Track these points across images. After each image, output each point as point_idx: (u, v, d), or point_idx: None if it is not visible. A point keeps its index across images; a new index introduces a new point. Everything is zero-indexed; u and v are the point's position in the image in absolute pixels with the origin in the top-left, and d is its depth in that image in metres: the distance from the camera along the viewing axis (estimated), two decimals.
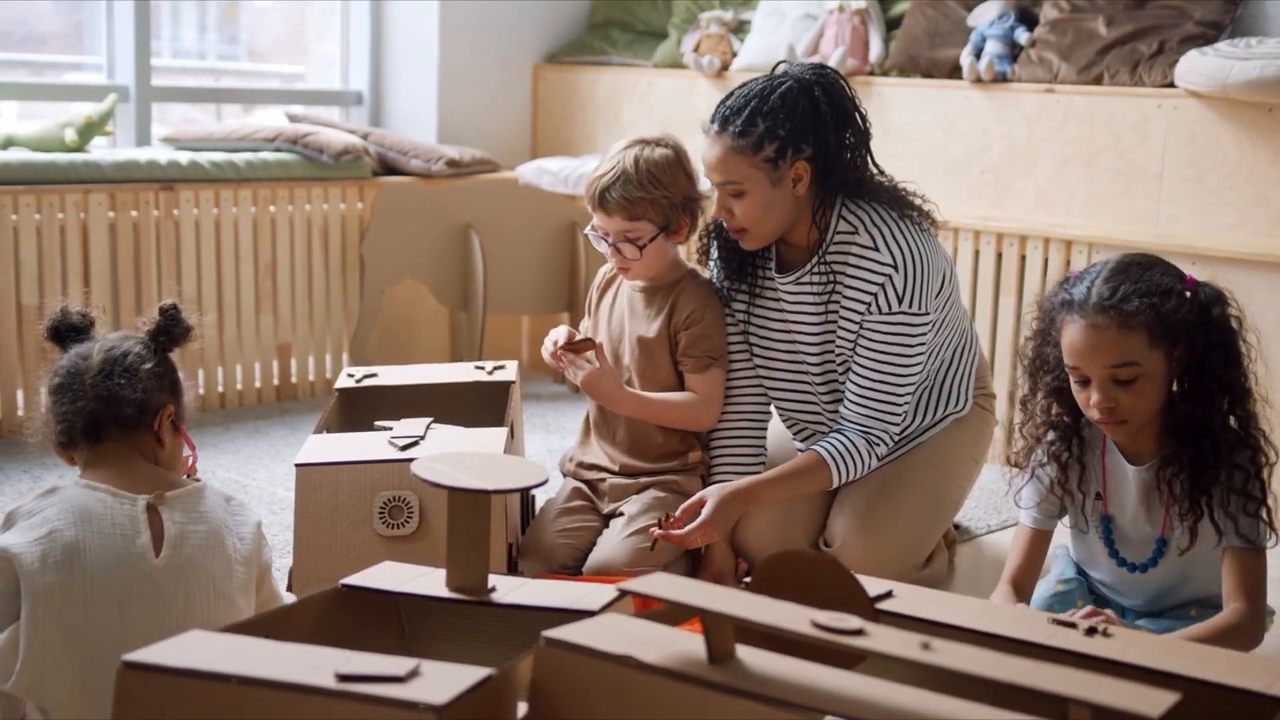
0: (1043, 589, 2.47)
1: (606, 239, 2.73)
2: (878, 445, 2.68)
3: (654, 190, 2.68)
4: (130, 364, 2.05)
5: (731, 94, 2.66)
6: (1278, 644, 2.45)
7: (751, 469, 2.79)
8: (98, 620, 1.87)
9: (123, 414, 2.03)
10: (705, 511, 2.58)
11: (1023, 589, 2.38)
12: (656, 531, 2.58)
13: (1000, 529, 3.26)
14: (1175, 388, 2.21)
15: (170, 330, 2.13)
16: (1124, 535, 2.34)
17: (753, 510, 2.67)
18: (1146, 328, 2.16)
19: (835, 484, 2.68)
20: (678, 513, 2.59)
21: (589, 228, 2.77)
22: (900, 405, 2.67)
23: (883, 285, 2.60)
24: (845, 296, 2.65)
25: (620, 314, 2.84)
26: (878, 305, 2.61)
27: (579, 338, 2.76)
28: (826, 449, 2.66)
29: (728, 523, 2.63)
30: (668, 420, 2.77)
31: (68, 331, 2.12)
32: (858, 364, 2.66)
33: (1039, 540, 2.41)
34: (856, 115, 2.67)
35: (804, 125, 2.59)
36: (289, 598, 2.31)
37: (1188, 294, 2.19)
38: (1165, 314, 2.16)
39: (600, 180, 2.70)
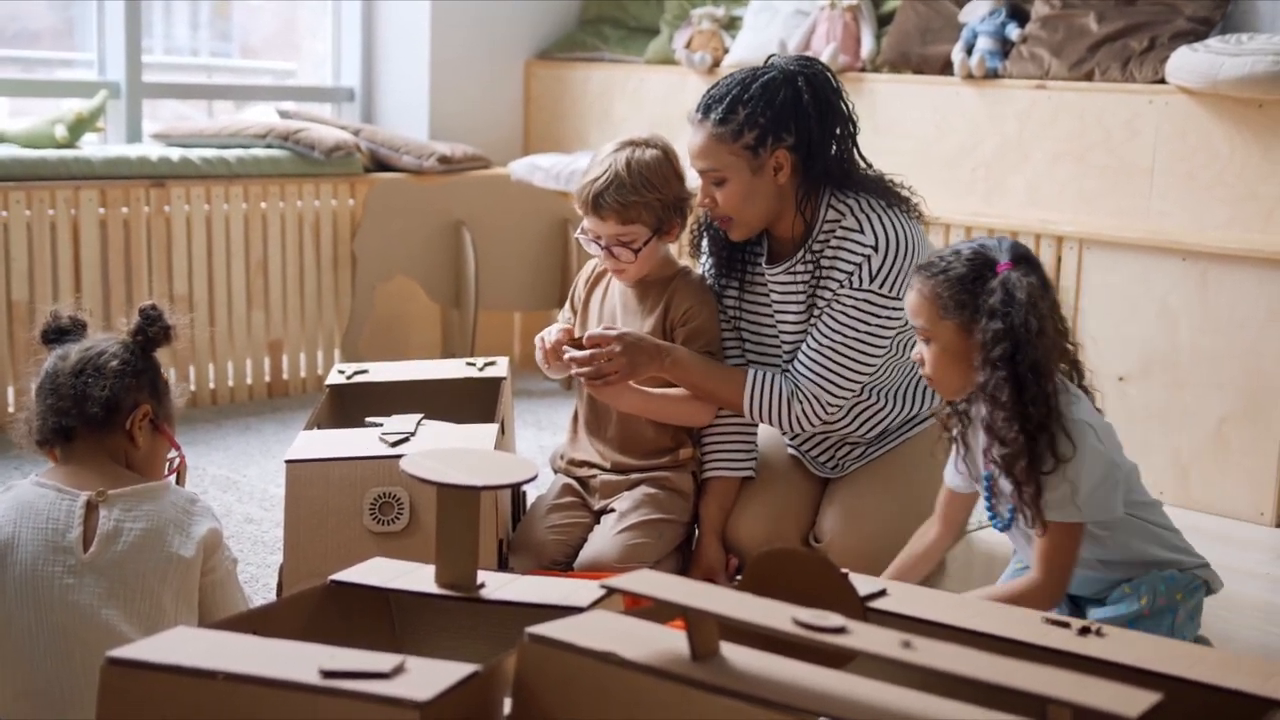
0: (1005, 576, 2.50)
1: (599, 242, 2.72)
2: (800, 405, 2.67)
3: (647, 193, 2.67)
4: (101, 363, 2.05)
5: (717, 83, 2.69)
6: (1268, 641, 2.46)
7: (744, 464, 2.79)
8: (17, 614, 1.88)
9: (89, 412, 2.03)
10: (617, 346, 2.63)
11: (926, 541, 2.50)
12: (569, 355, 2.67)
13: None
14: (1000, 370, 2.22)
15: (148, 330, 2.12)
16: (1000, 493, 2.37)
17: (663, 371, 2.68)
18: (937, 297, 2.25)
19: (745, 410, 2.70)
20: (585, 340, 2.66)
21: (580, 230, 2.76)
22: (844, 387, 2.66)
23: (859, 265, 2.61)
24: (826, 278, 2.66)
25: (612, 310, 2.83)
26: (850, 281, 2.62)
27: (574, 336, 2.76)
28: (755, 373, 2.69)
29: (632, 360, 2.64)
30: (668, 416, 2.76)
31: (58, 334, 2.12)
32: (816, 328, 2.67)
33: (952, 500, 2.49)
34: (842, 107, 2.68)
35: (785, 114, 2.61)
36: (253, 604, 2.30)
37: (995, 276, 2.22)
38: (956, 284, 2.23)
39: (593, 184, 2.68)
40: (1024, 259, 2.25)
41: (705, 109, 2.65)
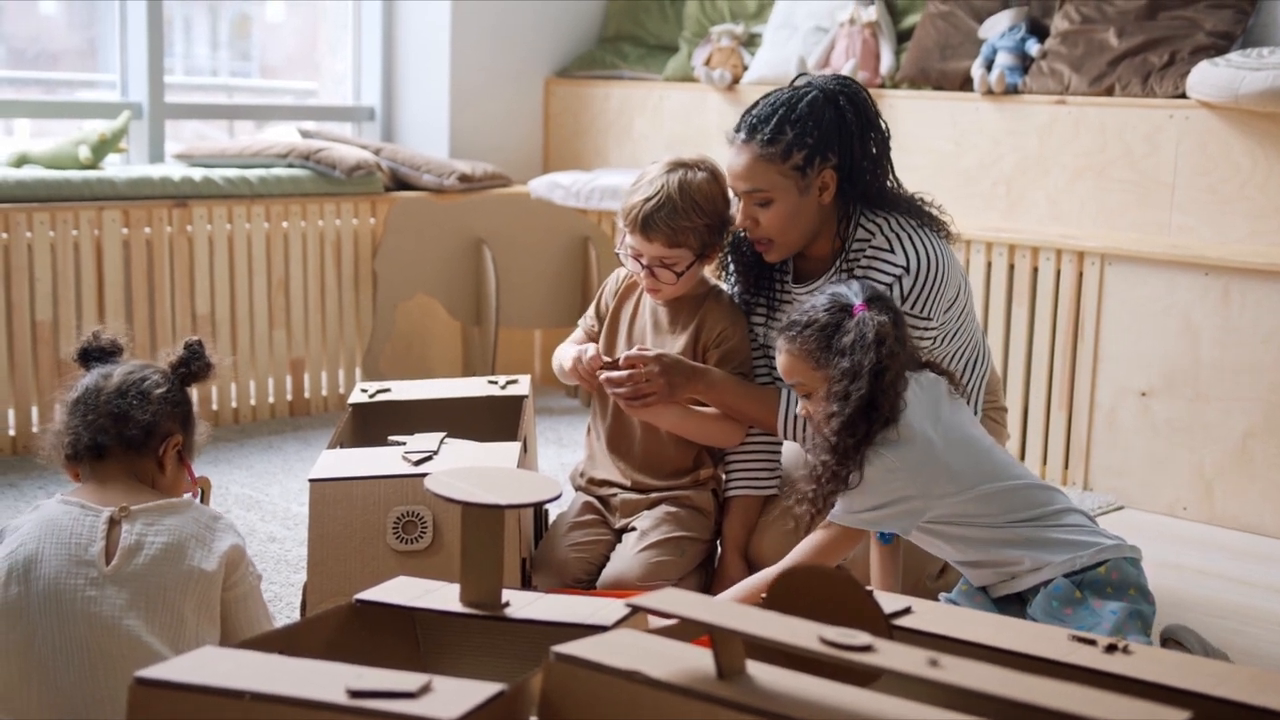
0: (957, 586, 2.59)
1: (640, 260, 2.72)
2: None
3: (697, 218, 2.66)
4: (146, 388, 2.09)
5: (757, 103, 2.66)
6: None
7: (767, 484, 2.79)
8: (41, 627, 1.90)
9: (128, 434, 2.07)
10: (656, 366, 2.64)
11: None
12: (605, 375, 2.67)
13: None
14: (841, 403, 2.37)
15: (191, 364, 2.18)
16: None
17: (699, 392, 2.70)
18: (808, 354, 2.40)
19: (779, 431, 2.70)
20: (621, 360, 2.67)
21: (619, 247, 2.75)
22: None
23: (890, 286, 2.59)
24: None
25: (642, 327, 2.82)
26: None
27: (607, 359, 2.74)
28: (788, 394, 2.67)
29: (670, 382, 2.65)
30: (703, 435, 2.75)
31: (96, 354, 2.16)
32: None
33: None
34: (881, 125, 2.68)
35: (831, 134, 2.60)
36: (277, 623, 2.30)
37: (852, 318, 2.37)
38: (820, 334, 2.38)
39: (645, 205, 2.65)
40: (877, 298, 2.41)
41: (750, 129, 2.63)
